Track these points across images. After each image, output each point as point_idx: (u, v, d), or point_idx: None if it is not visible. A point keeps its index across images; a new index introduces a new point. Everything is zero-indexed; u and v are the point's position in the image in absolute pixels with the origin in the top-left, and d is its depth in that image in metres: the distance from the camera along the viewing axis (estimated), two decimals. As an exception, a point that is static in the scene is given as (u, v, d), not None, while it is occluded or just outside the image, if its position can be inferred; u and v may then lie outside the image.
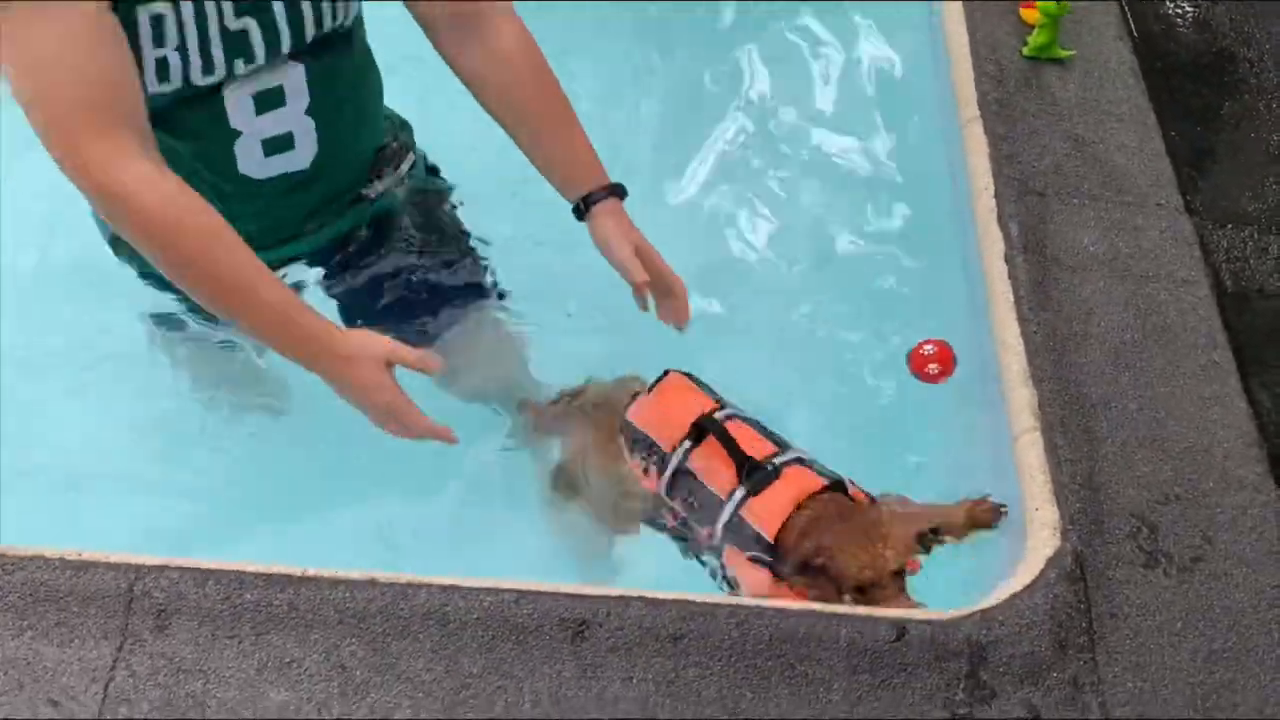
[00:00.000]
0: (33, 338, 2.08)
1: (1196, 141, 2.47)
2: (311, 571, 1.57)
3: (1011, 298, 2.05)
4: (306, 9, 1.43)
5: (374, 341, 1.45)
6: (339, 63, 1.56)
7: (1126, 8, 2.70)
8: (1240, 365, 2.05)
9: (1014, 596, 1.68)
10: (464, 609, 1.55)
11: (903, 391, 2.15)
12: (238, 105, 1.46)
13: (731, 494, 1.58)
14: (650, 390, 1.73)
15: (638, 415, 1.70)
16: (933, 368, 2.10)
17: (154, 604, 1.53)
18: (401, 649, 1.53)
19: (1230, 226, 2.31)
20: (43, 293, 2.16)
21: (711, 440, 1.62)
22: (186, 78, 1.39)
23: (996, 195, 2.21)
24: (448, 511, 1.95)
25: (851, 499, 1.63)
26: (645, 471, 1.69)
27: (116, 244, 1.71)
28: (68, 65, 1.27)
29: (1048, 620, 1.66)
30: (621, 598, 1.59)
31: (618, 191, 1.68)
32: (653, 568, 1.88)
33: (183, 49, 1.37)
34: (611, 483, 1.74)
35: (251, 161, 1.53)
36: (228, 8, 1.37)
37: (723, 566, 1.67)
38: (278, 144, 1.53)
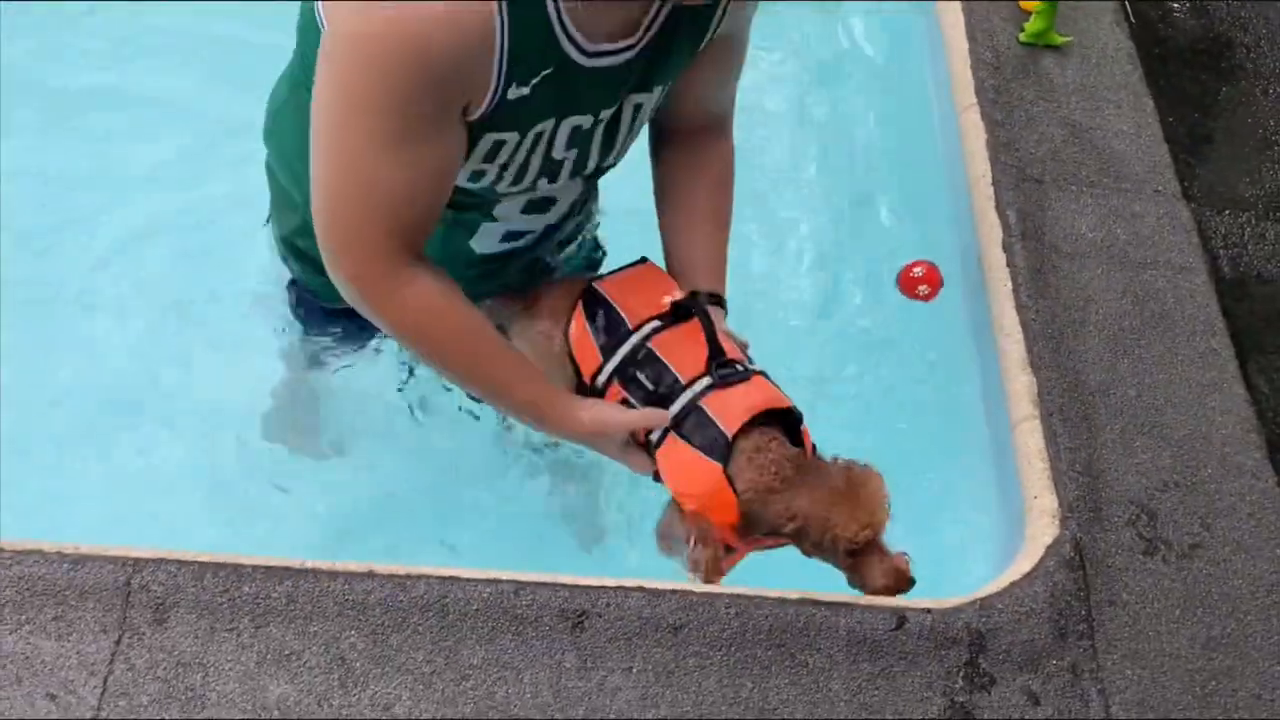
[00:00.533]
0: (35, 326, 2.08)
1: (1194, 127, 2.46)
2: (310, 563, 1.56)
3: (1010, 285, 2.05)
4: (619, 142, 1.46)
5: (610, 419, 1.48)
6: (602, 177, 1.60)
7: (1123, -7, 2.70)
8: (1238, 351, 2.06)
9: (1013, 584, 1.68)
10: (463, 600, 1.55)
11: (902, 381, 2.15)
12: (511, 206, 1.48)
13: (695, 380, 1.46)
14: (622, 269, 1.63)
15: (607, 285, 1.57)
16: (923, 289, 2.13)
17: (152, 597, 1.52)
18: (401, 640, 1.52)
19: (1228, 212, 2.31)
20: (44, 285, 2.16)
21: (686, 326, 1.50)
22: (494, 186, 1.40)
23: (994, 182, 2.20)
24: (448, 503, 1.95)
25: (801, 437, 1.52)
26: (597, 348, 1.55)
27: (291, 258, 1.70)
28: (391, 191, 1.26)
29: (1047, 608, 1.66)
30: (621, 588, 1.59)
31: (722, 304, 1.64)
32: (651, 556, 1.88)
33: (505, 167, 1.37)
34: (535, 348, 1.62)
35: (486, 241, 1.54)
36: (561, 140, 1.38)
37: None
38: (517, 235, 1.55)
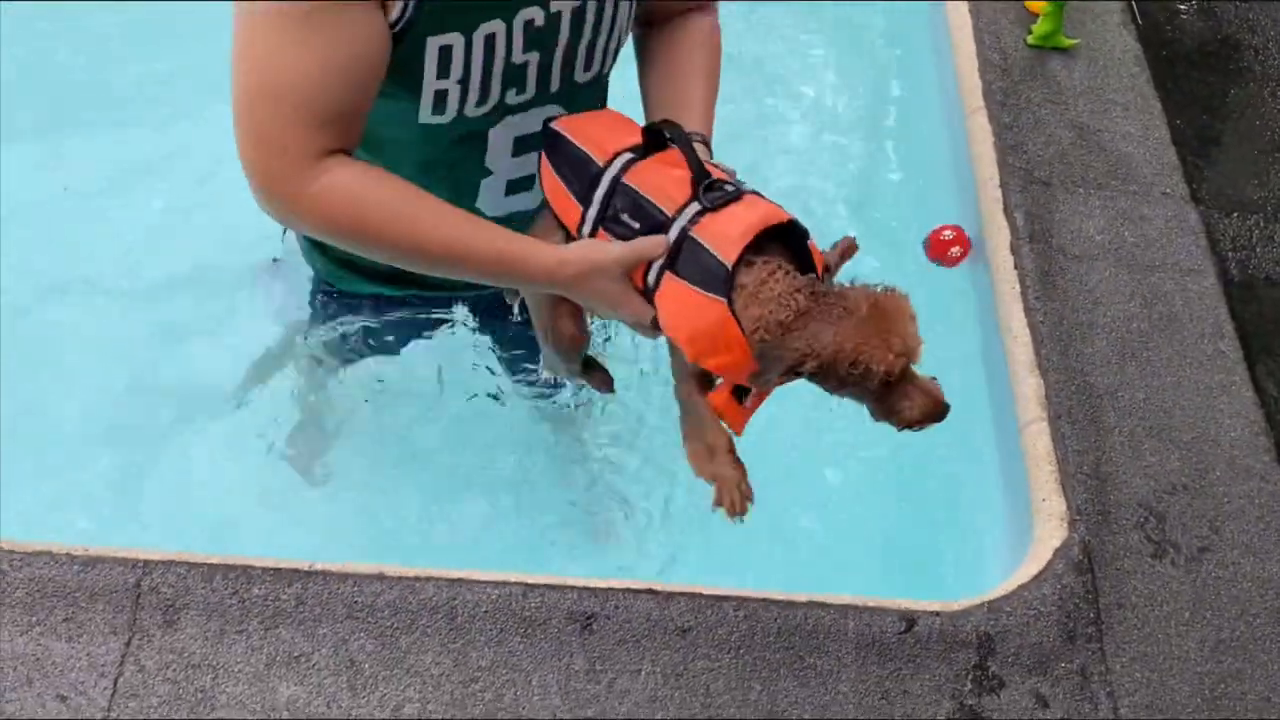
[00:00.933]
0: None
1: (1202, 129, 2.46)
2: (319, 565, 1.57)
3: (1018, 287, 2.05)
4: (582, 50, 1.39)
5: (599, 254, 1.31)
6: (592, 109, 1.50)
7: (1131, -5, 2.70)
8: (1247, 354, 2.05)
9: (1022, 587, 1.68)
10: (472, 602, 1.55)
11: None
12: (499, 147, 1.43)
13: (682, 209, 1.28)
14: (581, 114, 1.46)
15: (565, 123, 1.38)
16: (955, 250, 2.10)
17: (162, 599, 1.53)
18: (410, 643, 1.53)
19: (1236, 215, 2.31)
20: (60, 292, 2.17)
21: (662, 154, 1.33)
22: (461, 110, 1.33)
23: (1002, 185, 2.20)
24: (455, 505, 1.95)
25: (811, 256, 1.33)
26: (572, 196, 1.37)
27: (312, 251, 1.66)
28: (297, 79, 1.20)
29: (1056, 611, 1.66)
30: (629, 590, 1.59)
31: (707, 146, 1.50)
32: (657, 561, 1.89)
33: (464, 81, 1.31)
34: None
35: (491, 199, 1.49)
36: (518, 40, 1.30)
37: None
38: (520, 185, 1.49)
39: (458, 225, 1.31)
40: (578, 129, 1.36)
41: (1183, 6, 2.73)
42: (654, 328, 1.33)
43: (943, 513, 1.93)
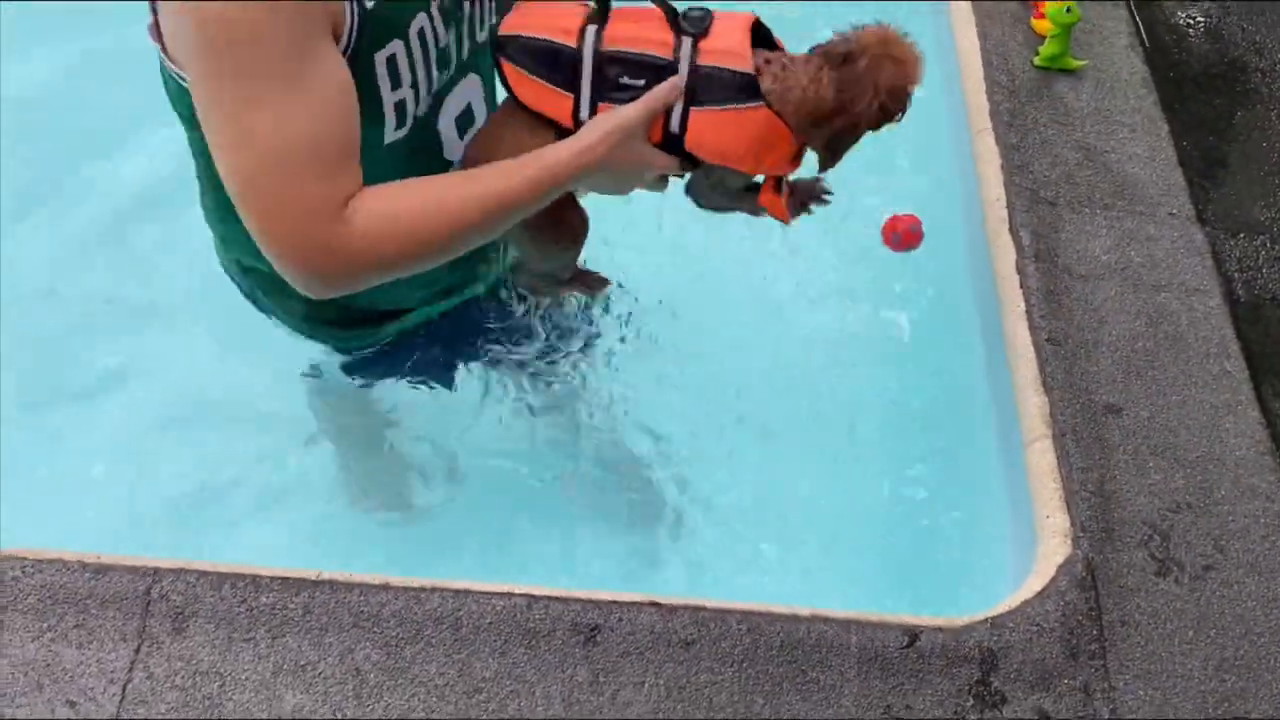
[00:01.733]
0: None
1: (1208, 150, 2.47)
2: (326, 575, 1.59)
3: (1023, 306, 2.06)
4: (478, 12, 1.40)
5: (622, 120, 1.31)
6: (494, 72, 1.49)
7: (1138, 17, 2.71)
8: (1252, 374, 2.06)
9: (1025, 603, 1.68)
10: (477, 613, 1.57)
11: (915, 401, 2.16)
12: (449, 136, 1.42)
13: (677, 49, 1.30)
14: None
15: (513, 25, 1.36)
16: (914, 226, 2.03)
17: (171, 607, 1.54)
18: (415, 653, 1.54)
19: (1242, 235, 2.32)
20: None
21: (621, 12, 1.34)
22: (416, 112, 1.33)
23: (1008, 205, 2.22)
24: (459, 515, 1.96)
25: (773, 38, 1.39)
26: (556, 89, 1.35)
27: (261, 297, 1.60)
28: (295, 138, 1.18)
29: (1059, 627, 1.66)
30: (633, 603, 1.60)
31: None
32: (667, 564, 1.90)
33: (415, 85, 1.31)
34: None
35: None
36: (439, 24, 1.32)
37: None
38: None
39: (488, 183, 1.30)
40: (527, 25, 1.36)
41: (1190, 29, 2.75)
42: (680, 173, 1.39)
43: (946, 528, 1.93)
